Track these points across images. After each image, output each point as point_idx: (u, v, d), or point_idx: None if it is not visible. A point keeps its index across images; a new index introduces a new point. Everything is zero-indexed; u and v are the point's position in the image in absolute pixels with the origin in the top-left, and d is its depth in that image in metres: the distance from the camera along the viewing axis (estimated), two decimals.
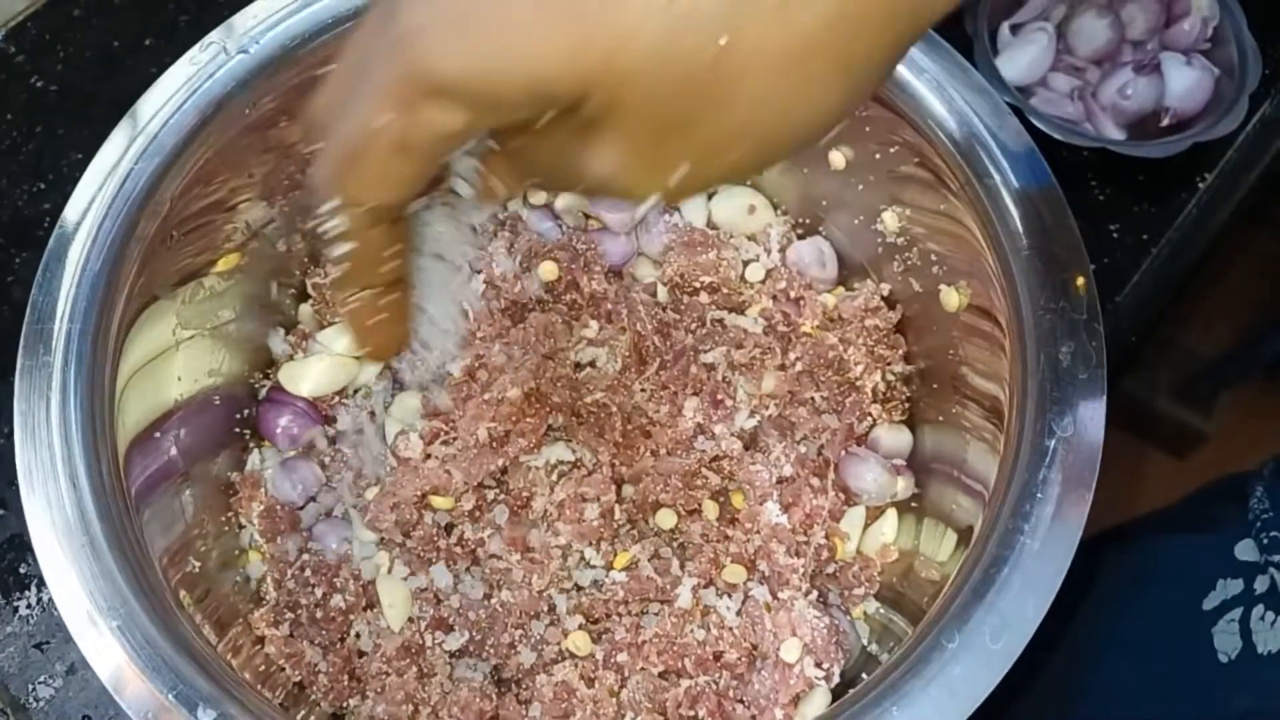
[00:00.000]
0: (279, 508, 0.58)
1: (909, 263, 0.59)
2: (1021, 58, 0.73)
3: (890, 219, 0.59)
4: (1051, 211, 0.50)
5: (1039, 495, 0.44)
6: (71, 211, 0.49)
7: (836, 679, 0.55)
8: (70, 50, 0.75)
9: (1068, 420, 0.45)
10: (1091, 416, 0.46)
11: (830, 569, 0.58)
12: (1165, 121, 0.72)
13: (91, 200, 0.49)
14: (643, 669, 0.54)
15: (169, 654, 0.43)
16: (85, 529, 0.45)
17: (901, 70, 0.53)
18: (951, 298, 0.55)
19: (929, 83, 0.53)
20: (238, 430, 0.61)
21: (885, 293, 0.61)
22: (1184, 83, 0.71)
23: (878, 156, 0.57)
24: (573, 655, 0.55)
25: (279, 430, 0.60)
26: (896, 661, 0.44)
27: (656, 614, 0.55)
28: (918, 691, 0.42)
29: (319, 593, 0.56)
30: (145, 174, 0.50)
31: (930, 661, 0.43)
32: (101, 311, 0.48)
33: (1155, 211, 0.72)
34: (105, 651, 0.44)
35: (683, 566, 0.56)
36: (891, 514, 0.59)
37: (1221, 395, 1.37)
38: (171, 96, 0.51)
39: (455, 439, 0.57)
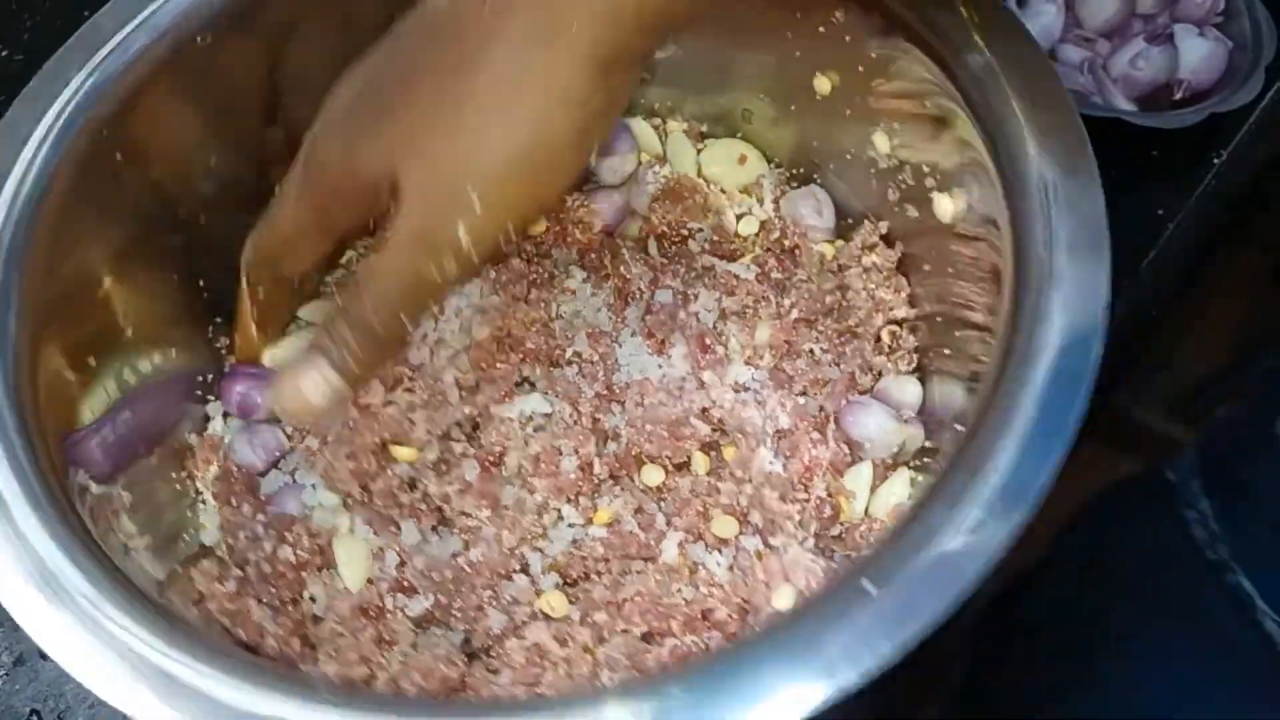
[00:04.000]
0: (236, 470, 0.54)
1: (903, 186, 0.55)
2: (1029, 28, 0.70)
3: (880, 140, 0.55)
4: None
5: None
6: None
7: None
8: (38, 19, 0.73)
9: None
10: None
11: (835, 530, 0.53)
12: (1178, 95, 0.70)
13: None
14: (624, 630, 0.49)
15: (89, 571, 0.39)
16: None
17: None
18: (946, 205, 0.52)
19: None
20: (199, 393, 0.57)
21: (884, 230, 0.58)
22: (1198, 53, 0.69)
23: (861, 69, 0.54)
24: (547, 617, 0.50)
25: (236, 400, 0.56)
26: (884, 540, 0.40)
27: (640, 572, 0.51)
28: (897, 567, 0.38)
29: (268, 546, 0.51)
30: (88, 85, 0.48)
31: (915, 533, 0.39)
32: (28, 216, 0.46)
33: (1170, 186, 0.69)
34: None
35: (669, 521, 0.51)
36: (903, 473, 0.54)
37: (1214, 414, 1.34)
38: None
39: (418, 386, 0.54)
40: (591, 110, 0.41)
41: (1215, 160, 0.70)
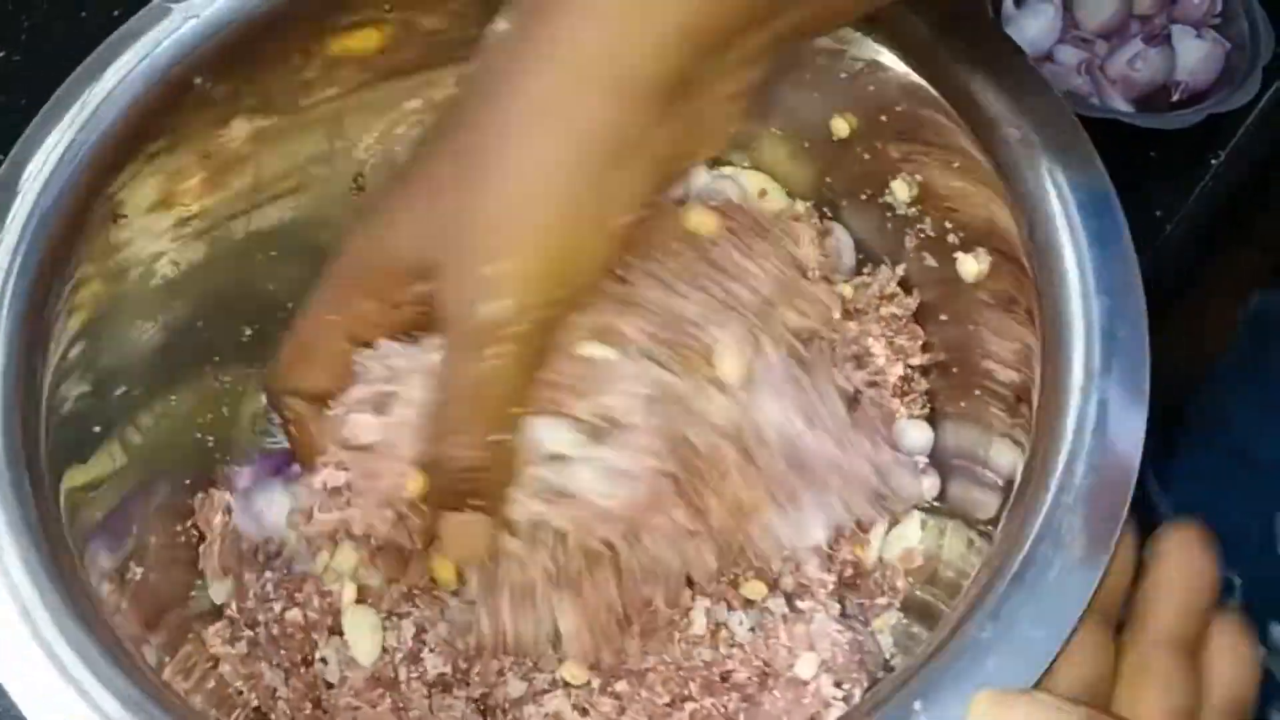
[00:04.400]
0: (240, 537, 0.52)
1: (922, 235, 0.54)
2: (1027, 30, 0.70)
3: (900, 188, 0.54)
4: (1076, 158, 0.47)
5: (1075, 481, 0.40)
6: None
7: (858, 699, 0.49)
8: (36, 20, 0.72)
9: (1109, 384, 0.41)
10: (1133, 383, 0.41)
11: (848, 574, 0.53)
12: (1176, 96, 0.70)
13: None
14: (646, 697, 0.48)
15: (91, 654, 0.38)
16: None
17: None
18: (970, 266, 0.51)
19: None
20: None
21: (901, 275, 0.56)
22: (1195, 55, 0.69)
23: (884, 119, 0.53)
24: (567, 684, 0.49)
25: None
26: (924, 657, 0.39)
27: (665, 641, 0.49)
28: (947, 687, 0.37)
29: (278, 607, 0.50)
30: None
31: (962, 655, 0.38)
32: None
33: (1168, 187, 0.69)
34: None
35: (694, 596, 0.50)
36: (915, 516, 0.54)
37: None
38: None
39: None
40: (640, 148, 0.35)
41: (1213, 161, 0.70)
